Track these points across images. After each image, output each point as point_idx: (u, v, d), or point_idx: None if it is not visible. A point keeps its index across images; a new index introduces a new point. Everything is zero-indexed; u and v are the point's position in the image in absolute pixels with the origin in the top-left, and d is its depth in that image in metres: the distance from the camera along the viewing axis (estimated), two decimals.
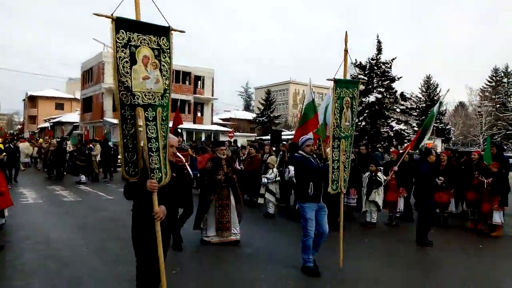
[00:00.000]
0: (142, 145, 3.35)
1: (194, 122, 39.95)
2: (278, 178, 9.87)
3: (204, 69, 41.68)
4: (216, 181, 6.60)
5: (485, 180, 8.20)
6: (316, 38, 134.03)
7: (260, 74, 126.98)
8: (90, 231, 7.53)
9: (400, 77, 24.83)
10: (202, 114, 42.07)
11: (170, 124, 4.74)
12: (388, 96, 24.57)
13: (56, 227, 7.80)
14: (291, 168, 10.12)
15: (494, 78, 57.15)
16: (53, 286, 4.71)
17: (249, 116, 62.27)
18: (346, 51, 5.44)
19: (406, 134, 23.91)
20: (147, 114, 3.30)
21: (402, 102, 24.77)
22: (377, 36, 24.78)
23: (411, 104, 56.92)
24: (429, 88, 58.58)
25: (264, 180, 9.96)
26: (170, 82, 3.49)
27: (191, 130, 36.88)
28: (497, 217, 8.01)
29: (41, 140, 24.88)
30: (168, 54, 3.45)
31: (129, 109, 3.27)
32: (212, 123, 42.77)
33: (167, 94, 3.46)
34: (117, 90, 3.19)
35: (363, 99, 23.45)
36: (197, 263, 5.79)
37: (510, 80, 55.71)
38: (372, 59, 24.66)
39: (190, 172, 6.74)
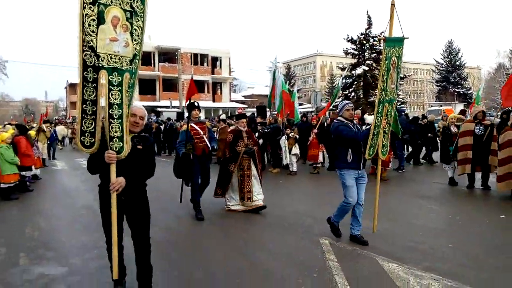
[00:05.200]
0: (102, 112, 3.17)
1: (214, 101, 43.33)
2: None
3: (221, 50, 44.63)
4: (236, 152, 6.90)
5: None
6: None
7: (289, 48, 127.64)
8: (93, 181, 10.97)
9: None
10: (221, 93, 45.32)
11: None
12: (378, 67, 26.47)
13: (70, 180, 11.41)
14: None
15: None
16: (56, 207, 8.10)
17: None
18: (393, 5, 4.82)
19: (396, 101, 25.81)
20: (111, 78, 3.15)
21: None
22: (367, 12, 26.53)
23: (433, 70, 56.62)
24: (451, 54, 58.28)
25: None
26: (141, 48, 3.35)
27: (209, 108, 40.27)
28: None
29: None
30: (142, 18, 3.30)
31: (92, 71, 3.11)
32: (231, 101, 45.95)
33: (137, 60, 3.33)
34: (80, 49, 3.03)
35: (352, 72, 25.56)
36: (222, 232, 5.85)
37: None
38: (361, 34, 26.52)
39: (208, 144, 6.73)
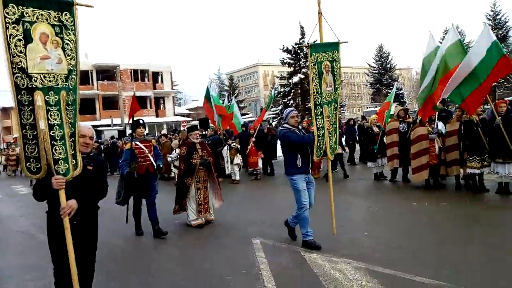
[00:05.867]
0: (43, 134, 2.95)
1: (157, 116, 42.89)
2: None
3: (162, 65, 44.41)
4: (192, 165, 6.86)
5: None
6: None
7: (232, 59, 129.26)
8: (31, 207, 10.72)
9: None
10: (164, 107, 44.99)
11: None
12: None
13: (5, 207, 11.03)
14: (176, 150, 13.44)
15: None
16: None
17: None
18: (320, 13, 5.15)
19: None
20: (48, 98, 2.98)
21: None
22: (300, 23, 27.92)
23: (366, 74, 59.91)
24: (382, 57, 62.16)
25: (169, 158, 13.27)
26: (77, 62, 3.19)
27: (153, 123, 39.84)
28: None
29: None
30: (73, 31, 3.14)
31: (26, 94, 2.94)
32: (175, 115, 45.71)
33: (73, 76, 3.16)
34: (10, 72, 2.88)
35: (290, 80, 26.67)
36: (164, 242, 6.12)
37: (462, 39, 58.82)
38: (296, 44, 27.80)
39: (154, 163, 6.64)
